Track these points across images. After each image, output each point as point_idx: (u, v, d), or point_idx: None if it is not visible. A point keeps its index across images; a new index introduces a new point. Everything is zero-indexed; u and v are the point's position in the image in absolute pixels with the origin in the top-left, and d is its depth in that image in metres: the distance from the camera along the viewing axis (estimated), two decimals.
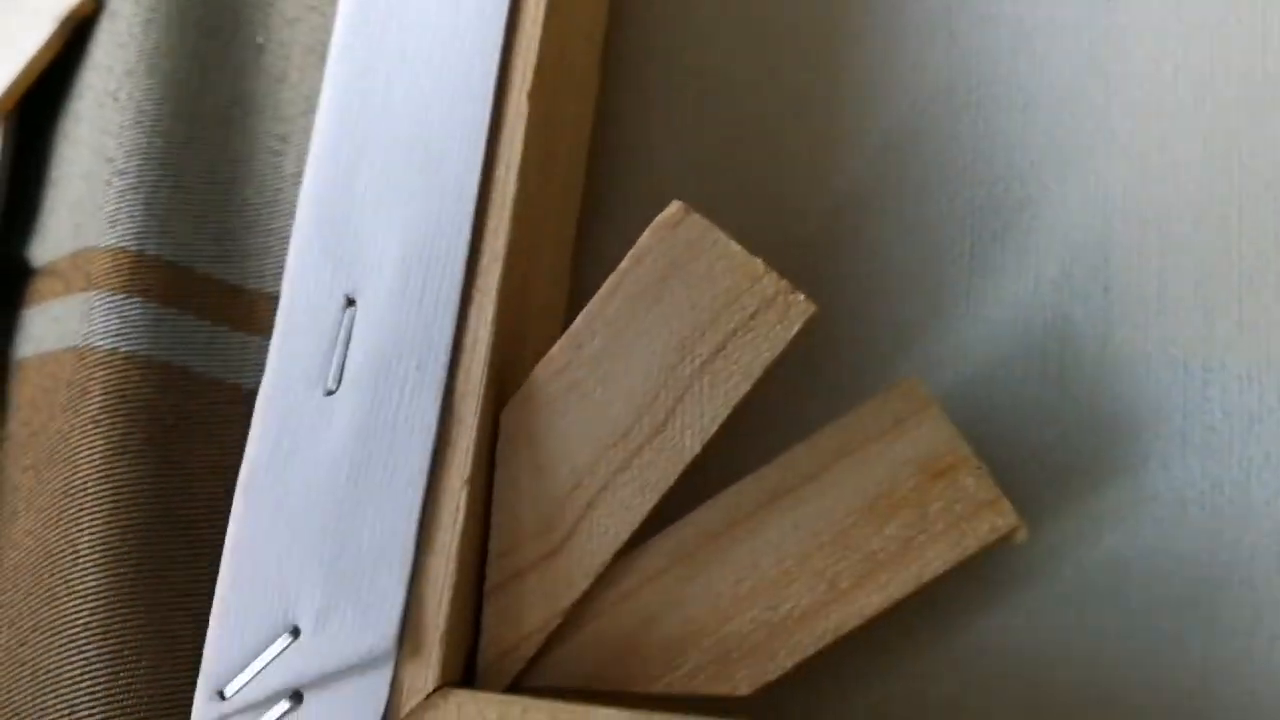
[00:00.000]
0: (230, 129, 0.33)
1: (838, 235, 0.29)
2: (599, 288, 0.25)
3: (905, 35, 0.30)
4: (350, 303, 0.25)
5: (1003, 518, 0.24)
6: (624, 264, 0.24)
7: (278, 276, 0.32)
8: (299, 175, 0.32)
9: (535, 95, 0.25)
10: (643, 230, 0.25)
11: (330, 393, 0.25)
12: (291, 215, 0.32)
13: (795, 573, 0.24)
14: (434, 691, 0.23)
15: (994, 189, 0.29)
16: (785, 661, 0.24)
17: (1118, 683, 0.25)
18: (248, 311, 0.32)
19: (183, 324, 0.32)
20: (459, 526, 0.23)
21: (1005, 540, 0.24)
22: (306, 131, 0.33)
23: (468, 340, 0.24)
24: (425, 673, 0.23)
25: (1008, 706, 0.25)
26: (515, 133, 0.25)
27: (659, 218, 0.24)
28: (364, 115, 0.26)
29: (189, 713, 0.24)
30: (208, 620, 0.24)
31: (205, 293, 0.32)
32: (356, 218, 0.25)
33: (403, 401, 0.24)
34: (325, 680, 0.23)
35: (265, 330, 0.31)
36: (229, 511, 0.25)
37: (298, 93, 0.33)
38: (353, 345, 0.25)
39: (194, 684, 0.24)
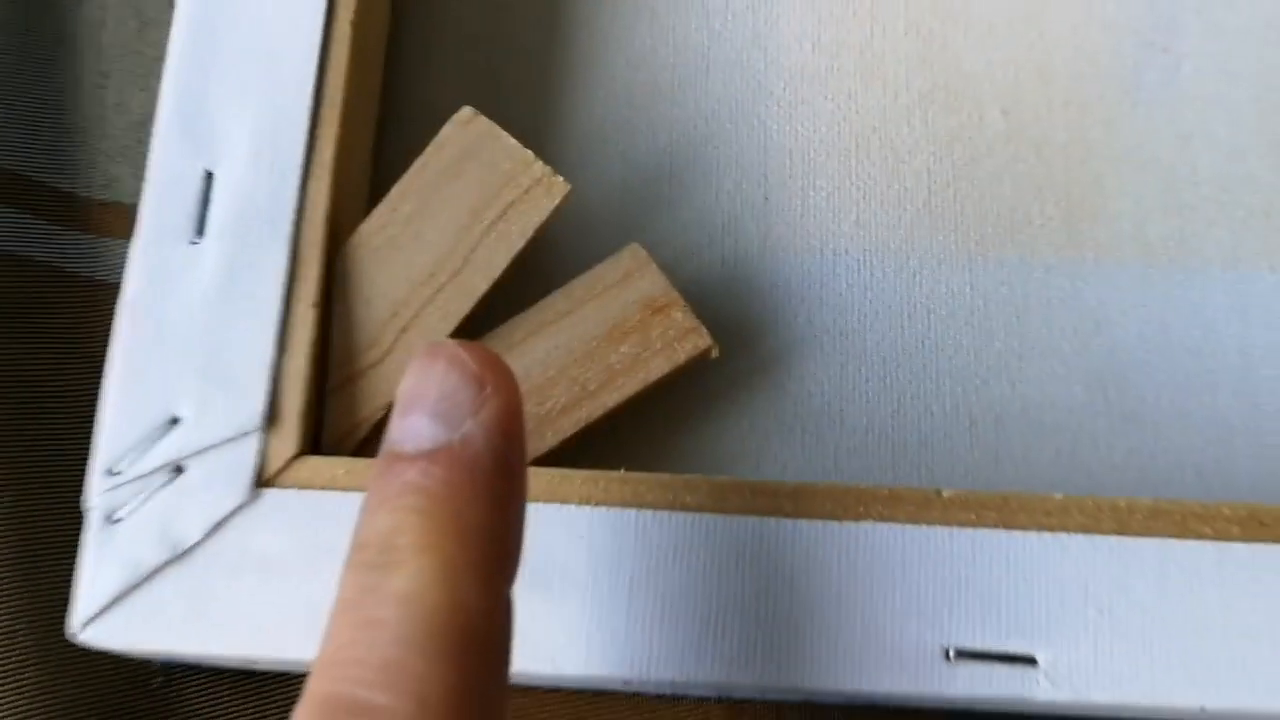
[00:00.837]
0: (56, 64, 0.39)
1: (583, 150, 0.38)
2: (394, 172, 0.33)
3: (619, 14, 0.40)
4: (209, 175, 0.32)
5: (703, 339, 0.33)
6: (429, 149, 0.33)
7: (106, 186, 0.38)
8: (120, 105, 0.39)
9: (356, 22, 0.33)
10: (434, 127, 0.33)
11: (195, 243, 0.31)
12: (114, 139, 0.38)
13: (556, 380, 0.33)
14: (293, 458, 0.30)
15: (686, 128, 0.39)
16: (552, 441, 0.32)
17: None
18: (82, 214, 0.37)
19: (21, 220, 0.37)
20: (309, 337, 0.31)
21: (704, 356, 0.33)
22: (125, 71, 0.39)
23: (308, 203, 0.32)
24: (287, 443, 0.30)
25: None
26: (341, 50, 0.33)
27: (454, 117, 0.33)
28: (214, 31, 0.33)
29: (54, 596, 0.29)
30: (55, 491, 0.30)
31: (39, 195, 0.37)
32: (211, 109, 0.32)
33: (259, 248, 0.31)
34: (203, 453, 0.30)
35: (97, 230, 0.37)
36: (75, 382, 0.32)
37: (115, 37, 0.39)
38: (214, 208, 0.31)
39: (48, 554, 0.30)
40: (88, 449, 0.30)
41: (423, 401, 0.24)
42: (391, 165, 0.33)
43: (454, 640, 0.21)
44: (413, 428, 0.23)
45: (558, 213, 0.33)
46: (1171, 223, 0.39)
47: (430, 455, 0.23)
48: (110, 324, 0.33)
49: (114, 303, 0.36)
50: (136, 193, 0.35)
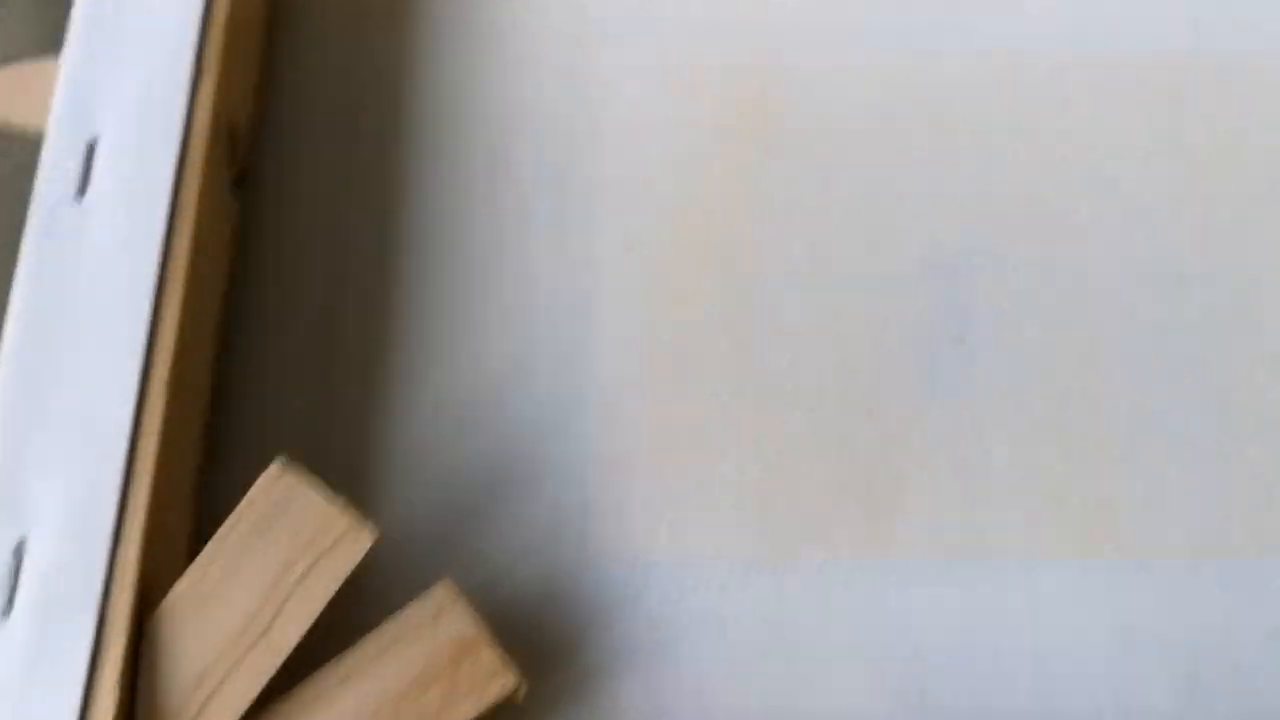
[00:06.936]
0: None
1: (404, 467, 0.39)
2: (218, 514, 0.34)
3: (439, 327, 0.42)
4: (20, 546, 0.33)
5: (509, 680, 0.34)
6: (240, 507, 0.34)
7: None
8: None
9: (171, 386, 0.34)
10: (250, 471, 0.34)
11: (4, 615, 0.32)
12: None
13: None
14: None
15: (506, 440, 0.41)
16: None
17: None
18: None
19: None
20: (112, 714, 0.31)
21: (513, 697, 0.35)
22: None
23: (118, 570, 0.33)
24: None
25: None
26: (155, 416, 0.34)
27: (263, 475, 0.34)
28: (32, 399, 0.34)
29: None
30: None
31: None
32: (26, 478, 0.33)
33: (66, 625, 0.32)
34: None
35: None
36: None
37: None
38: (25, 576, 0.32)
39: None
40: None
41: None
42: (217, 500, 0.34)
43: None
44: None
45: (367, 561, 0.34)
46: (968, 516, 0.41)
47: None
48: None
49: None
50: None
